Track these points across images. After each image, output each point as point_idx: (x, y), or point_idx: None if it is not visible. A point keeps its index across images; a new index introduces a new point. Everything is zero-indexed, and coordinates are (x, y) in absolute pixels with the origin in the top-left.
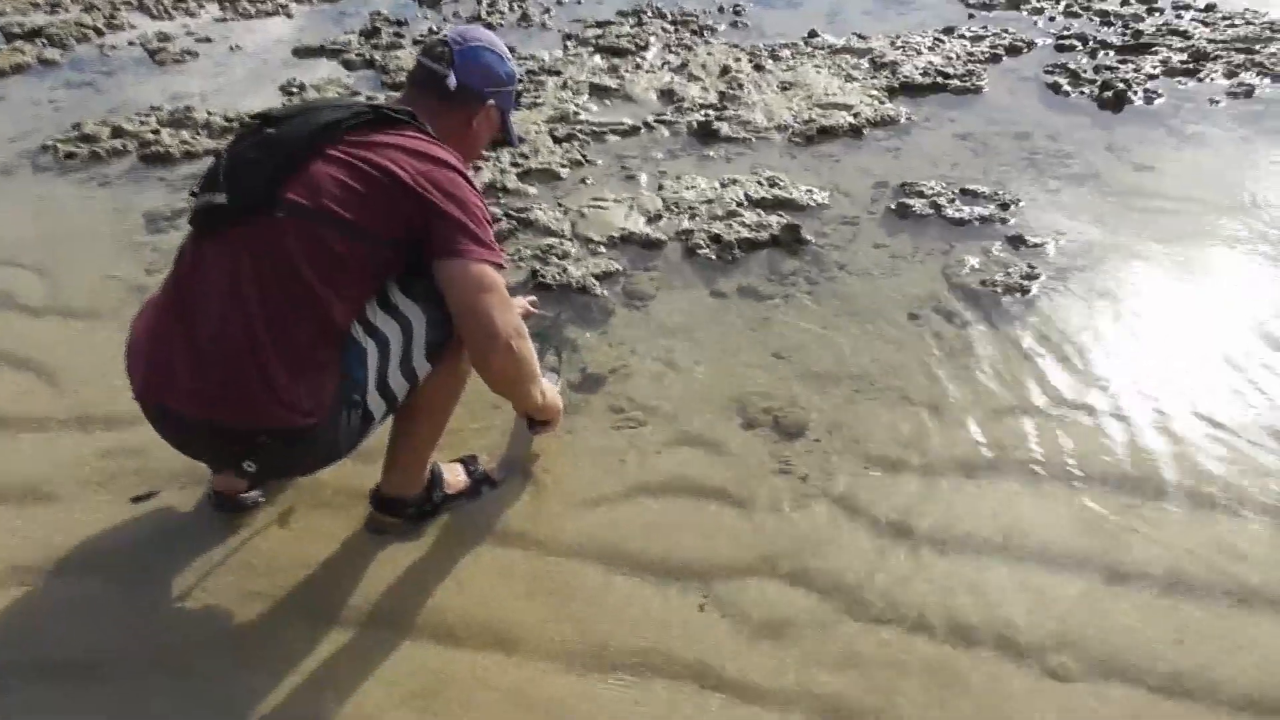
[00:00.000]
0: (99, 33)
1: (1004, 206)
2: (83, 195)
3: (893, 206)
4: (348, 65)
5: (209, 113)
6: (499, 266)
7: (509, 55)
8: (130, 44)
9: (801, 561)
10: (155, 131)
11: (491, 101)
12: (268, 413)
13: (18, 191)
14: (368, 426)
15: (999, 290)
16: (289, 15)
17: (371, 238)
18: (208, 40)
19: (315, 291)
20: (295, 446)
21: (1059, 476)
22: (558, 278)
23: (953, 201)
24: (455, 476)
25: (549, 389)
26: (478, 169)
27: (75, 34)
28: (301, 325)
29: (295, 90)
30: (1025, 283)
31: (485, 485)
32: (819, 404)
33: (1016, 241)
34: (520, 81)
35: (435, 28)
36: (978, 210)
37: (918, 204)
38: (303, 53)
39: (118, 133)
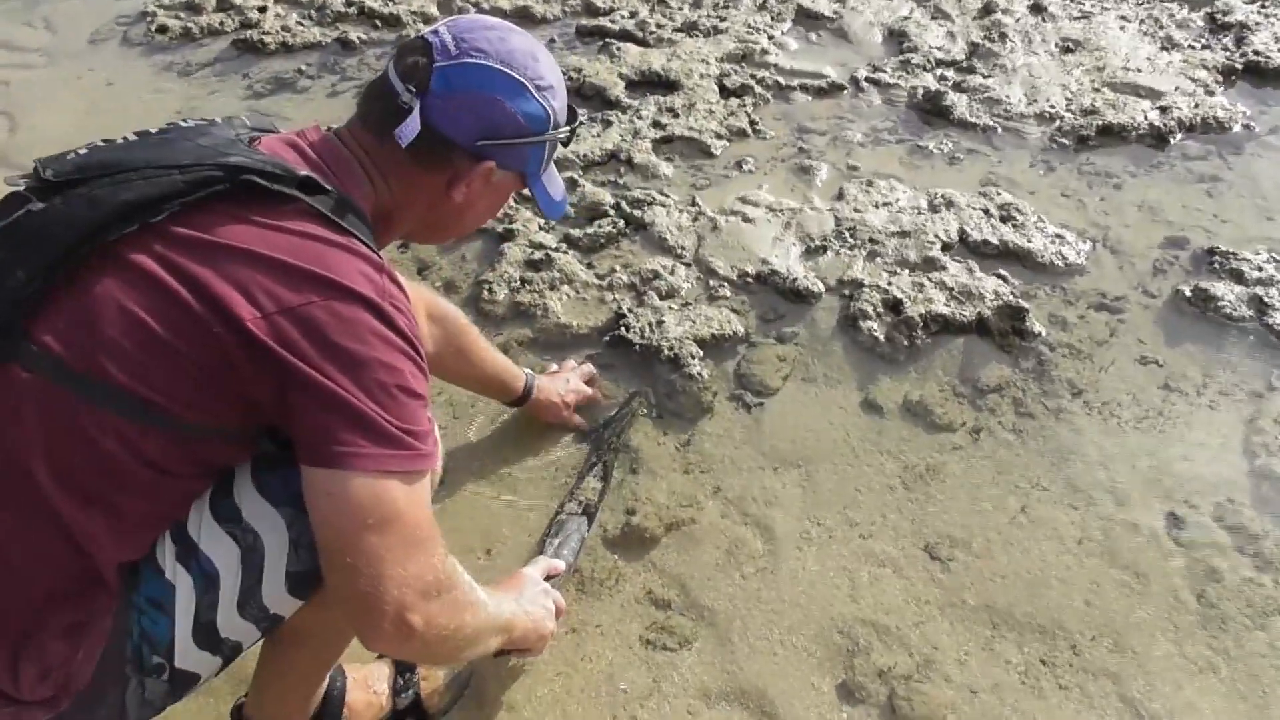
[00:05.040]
0: None
1: None
2: (154, 87)
3: (1185, 291)
4: None
5: None
6: (411, 476)
7: (545, 78)
8: None
9: None
10: (262, 8)
11: (491, 162)
12: None
13: (93, 71)
14: (186, 689)
15: None
16: None
17: (179, 424)
18: None
19: (59, 512)
20: None
21: None
22: (648, 333)
23: None
24: (368, 695)
25: (522, 614)
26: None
27: None
28: (28, 568)
29: None
30: None
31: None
32: (978, 680)
33: None
34: (578, 125)
35: None
36: None
37: (1228, 294)
38: None
39: (223, 3)
